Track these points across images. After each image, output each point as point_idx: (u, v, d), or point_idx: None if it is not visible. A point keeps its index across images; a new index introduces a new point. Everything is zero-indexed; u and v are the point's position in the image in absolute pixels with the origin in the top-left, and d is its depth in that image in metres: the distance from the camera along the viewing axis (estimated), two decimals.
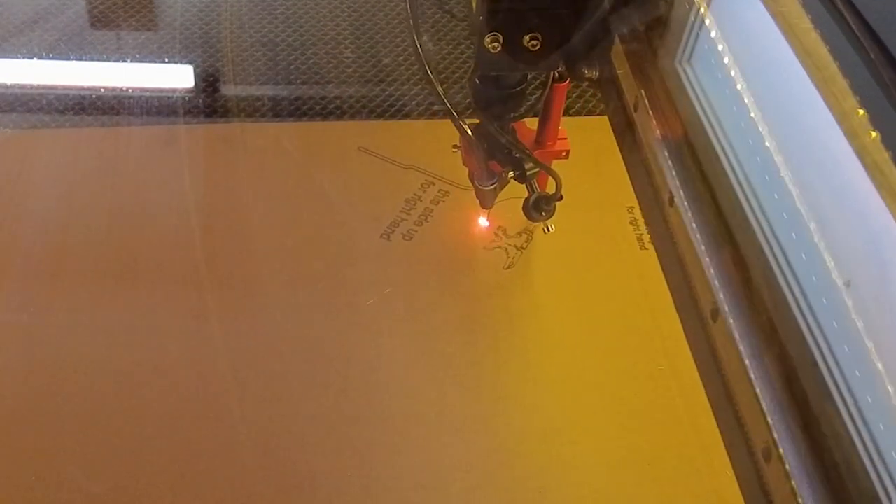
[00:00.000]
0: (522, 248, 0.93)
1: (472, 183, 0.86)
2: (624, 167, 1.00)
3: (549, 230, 0.84)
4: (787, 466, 0.43)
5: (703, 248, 0.52)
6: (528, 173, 0.78)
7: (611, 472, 0.76)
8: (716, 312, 0.50)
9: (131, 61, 1.13)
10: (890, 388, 0.42)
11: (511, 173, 0.80)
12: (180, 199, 0.96)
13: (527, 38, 0.66)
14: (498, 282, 0.90)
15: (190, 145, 1.02)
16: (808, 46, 0.48)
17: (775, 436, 0.45)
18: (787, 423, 0.44)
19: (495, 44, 0.66)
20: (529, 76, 0.74)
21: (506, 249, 0.93)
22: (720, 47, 0.58)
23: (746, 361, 0.47)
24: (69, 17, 1.18)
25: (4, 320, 0.85)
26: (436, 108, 1.08)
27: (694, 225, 0.53)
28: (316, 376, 0.82)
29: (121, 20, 1.18)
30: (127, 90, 1.09)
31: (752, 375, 0.46)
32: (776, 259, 0.50)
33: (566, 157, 0.84)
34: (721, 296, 0.50)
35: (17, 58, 1.13)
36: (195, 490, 0.74)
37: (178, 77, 1.12)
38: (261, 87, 1.11)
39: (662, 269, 0.58)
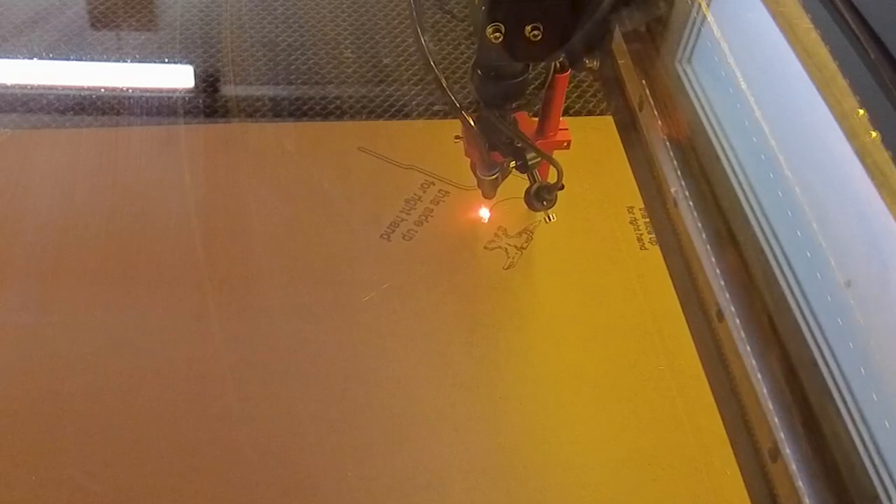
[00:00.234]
0: (522, 248, 0.93)
1: (474, 173, 0.86)
2: (624, 167, 1.00)
3: (550, 220, 0.84)
4: (792, 466, 0.43)
5: (708, 248, 0.52)
6: (529, 163, 0.79)
7: (611, 472, 0.76)
8: (721, 313, 0.50)
9: (131, 61, 1.13)
10: (890, 388, 0.42)
11: (513, 163, 0.80)
12: (180, 199, 0.96)
13: (528, 28, 0.66)
14: (498, 282, 0.90)
15: (190, 145, 1.02)
16: (808, 46, 0.48)
17: (781, 435, 0.45)
18: (793, 423, 0.44)
19: (497, 34, 0.66)
20: (531, 67, 0.74)
21: (506, 249, 0.93)
22: (720, 47, 0.58)
23: (753, 361, 0.47)
24: (69, 17, 1.18)
25: (4, 320, 0.85)
26: (436, 108, 1.08)
27: (699, 225, 0.53)
28: (316, 376, 0.82)
29: (121, 20, 1.18)
30: (127, 90, 1.09)
31: (759, 375, 0.46)
32: (776, 259, 0.50)
33: (567, 147, 0.84)
34: (727, 296, 0.50)
35: (17, 58, 1.13)
36: (195, 490, 0.74)
37: (178, 77, 1.12)
38: (261, 87, 1.11)
39: (668, 269, 0.58)
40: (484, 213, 0.96)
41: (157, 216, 0.94)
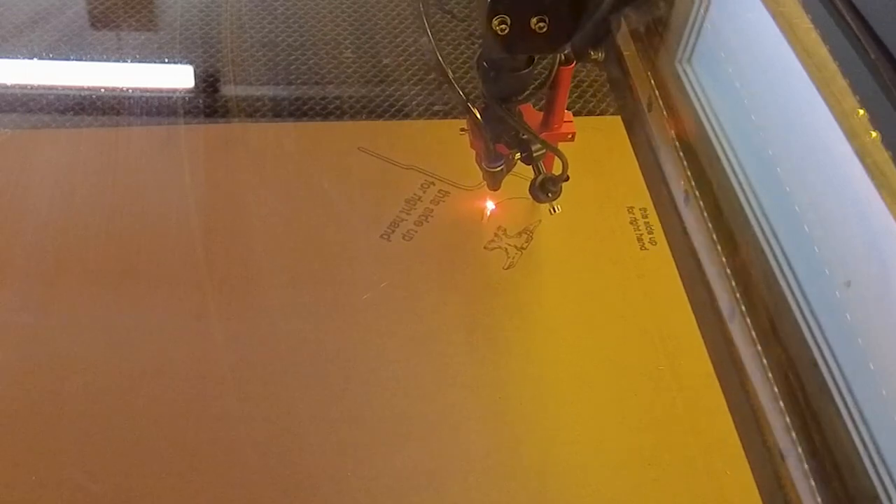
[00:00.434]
0: (522, 248, 0.93)
1: (479, 165, 0.86)
2: (624, 167, 1.00)
3: (555, 211, 0.85)
4: (804, 466, 0.43)
5: (718, 247, 0.52)
6: (534, 155, 0.79)
7: (611, 472, 0.76)
8: (732, 311, 0.50)
9: (131, 61, 1.13)
10: (890, 388, 0.42)
11: (518, 155, 0.81)
12: (180, 199, 0.96)
13: (534, 20, 0.66)
14: (498, 282, 0.90)
15: (190, 145, 1.02)
16: (808, 46, 0.48)
17: (793, 435, 0.45)
18: (805, 422, 0.44)
19: (503, 26, 0.66)
20: (536, 59, 0.75)
21: (506, 249, 0.93)
22: (720, 47, 0.59)
23: (764, 360, 0.47)
24: (69, 17, 1.18)
25: (4, 320, 0.85)
26: (436, 108, 1.08)
27: (710, 225, 0.53)
28: (316, 376, 0.82)
29: (121, 20, 1.18)
30: (127, 90, 1.09)
31: (770, 375, 0.46)
32: (776, 259, 0.50)
33: (572, 139, 0.84)
34: (738, 296, 0.50)
35: (17, 58, 1.13)
36: (195, 490, 0.74)
37: (178, 77, 1.12)
38: (261, 87, 1.11)
39: (677, 269, 0.58)
40: (489, 205, 0.96)
41: (157, 216, 0.94)
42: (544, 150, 0.80)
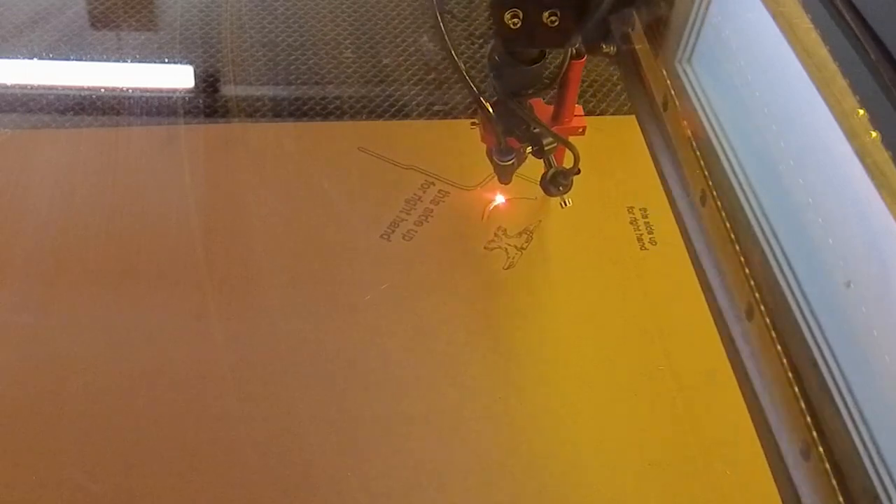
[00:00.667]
0: (522, 248, 0.93)
1: (490, 159, 0.87)
2: (624, 167, 1.00)
3: (566, 204, 0.85)
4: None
5: (737, 247, 0.52)
6: (545, 148, 0.79)
7: (611, 472, 0.76)
8: (751, 311, 0.50)
9: (131, 61, 1.13)
10: (890, 388, 0.42)
11: (529, 148, 0.81)
12: (180, 199, 0.96)
13: (546, 14, 0.66)
14: (498, 282, 0.90)
15: (190, 145, 1.02)
16: (808, 46, 0.48)
17: (814, 434, 0.44)
18: (827, 420, 0.44)
19: (515, 20, 0.66)
20: (547, 52, 0.75)
21: (506, 250, 0.93)
22: (720, 47, 0.58)
23: (784, 360, 0.47)
24: (69, 17, 1.18)
25: (4, 320, 0.85)
26: (436, 108, 1.08)
27: (728, 224, 0.53)
28: (316, 376, 0.82)
29: (121, 20, 1.18)
30: (127, 90, 1.09)
31: (790, 374, 0.46)
32: (776, 259, 0.50)
33: (583, 133, 0.85)
34: (756, 295, 0.50)
35: (17, 58, 1.13)
36: (195, 490, 0.74)
37: (178, 77, 1.12)
38: (261, 87, 1.11)
39: (694, 269, 0.58)
40: (499, 198, 0.96)
41: (157, 216, 0.94)
42: (555, 144, 0.80)
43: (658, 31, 0.64)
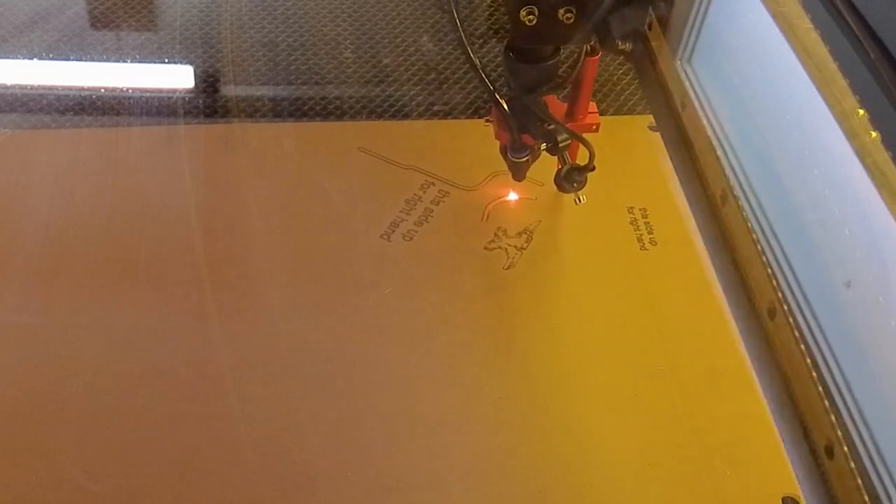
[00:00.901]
0: (522, 248, 0.93)
1: (505, 157, 0.87)
2: (624, 167, 1.00)
3: (580, 201, 0.85)
4: (851, 464, 0.43)
5: (760, 246, 0.52)
6: (560, 145, 0.79)
7: (611, 472, 0.76)
8: (773, 311, 0.50)
9: (131, 61, 1.13)
10: (890, 388, 0.42)
11: (543, 145, 0.81)
12: (180, 200, 0.96)
13: (562, 10, 0.66)
14: (498, 282, 0.90)
15: (190, 145, 1.02)
16: (808, 46, 0.48)
17: (839, 433, 0.45)
18: (853, 419, 0.44)
19: (531, 16, 0.66)
20: (562, 49, 0.75)
21: (506, 250, 0.93)
22: (720, 47, 0.58)
23: (808, 359, 0.47)
24: (69, 18, 1.18)
25: (4, 320, 0.85)
26: (436, 108, 1.08)
27: (750, 224, 0.53)
28: (316, 376, 0.82)
29: (121, 20, 1.18)
30: (127, 90, 1.09)
31: (814, 374, 0.46)
32: (776, 259, 0.50)
33: (596, 130, 0.86)
34: (779, 294, 0.50)
35: (17, 58, 1.13)
36: (195, 490, 0.74)
37: (178, 77, 1.12)
38: (261, 87, 1.11)
39: (714, 269, 0.58)
40: (512, 195, 0.96)
41: (157, 216, 0.94)
42: (570, 141, 0.80)
43: (657, 31, 0.64)
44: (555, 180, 0.84)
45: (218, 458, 0.75)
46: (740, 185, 0.54)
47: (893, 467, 0.42)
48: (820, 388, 0.46)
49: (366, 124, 1.06)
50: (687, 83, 0.60)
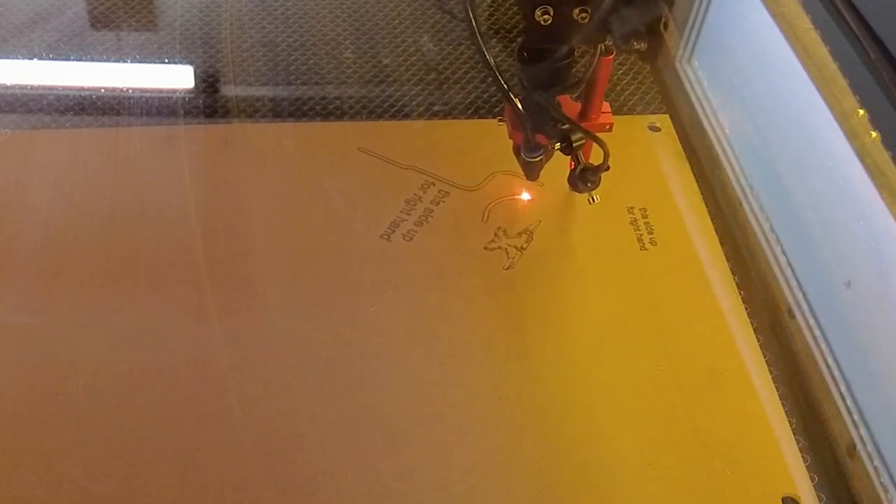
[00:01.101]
0: (522, 248, 0.93)
1: (518, 156, 0.87)
2: (623, 167, 1.00)
3: (594, 201, 0.86)
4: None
5: (779, 248, 0.52)
6: (574, 144, 0.80)
7: (611, 472, 0.76)
8: (792, 311, 0.51)
9: (131, 61, 1.13)
10: (890, 388, 0.42)
11: (557, 145, 0.81)
12: (180, 200, 0.96)
13: (576, 10, 0.66)
14: (498, 282, 0.90)
15: (190, 145, 1.02)
16: (808, 46, 0.48)
17: (861, 433, 0.45)
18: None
19: (546, 16, 0.67)
20: (577, 49, 0.75)
21: (506, 250, 0.93)
22: (720, 47, 0.59)
23: (829, 358, 0.47)
24: (69, 18, 1.18)
25: (4, 320, 0.85)
26: (436, 108, 1.08)
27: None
28: (316, 376, 0.82)
29: (121, 20, 1.18)
30: (127, 90, 1.09)
31: (834, 373, 0.46)
32: (776, 259, 0.50)
33: (610, 129, 0.86)
34: (796, 295, 0.50)
35: (17, 58, 1.13)
36: (195, 490, 0.74)
37: (178, 77, 1.12)
38: (261, 87, 1.11)
39: (732, 271, 0.58)
40: (525, 195, 0.96)
41: (157, 216, 0.94)
42: (584, 140, 0.80)
43: (656, 31, 0.64)
44: (568, 180, 0.84)
45: (218, 458, 0.75)
46: (740, 185, 0.54)
47: (894, 467, 0.42)
48: (841, 389, 0.46)
49: (366, 124, 1.06)
50: (687, 83, 0.60)
